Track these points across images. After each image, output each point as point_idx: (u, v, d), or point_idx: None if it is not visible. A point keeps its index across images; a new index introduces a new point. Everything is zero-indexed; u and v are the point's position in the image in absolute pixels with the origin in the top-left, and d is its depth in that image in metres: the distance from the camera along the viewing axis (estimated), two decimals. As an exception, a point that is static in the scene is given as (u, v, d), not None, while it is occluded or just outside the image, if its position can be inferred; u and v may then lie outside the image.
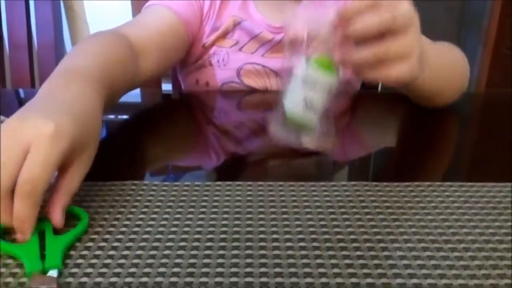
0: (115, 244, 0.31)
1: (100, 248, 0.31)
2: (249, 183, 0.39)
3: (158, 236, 0.32)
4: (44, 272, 0.28)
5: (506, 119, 0.58)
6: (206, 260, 0.29)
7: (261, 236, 0.32)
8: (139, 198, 0.37)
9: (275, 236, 0.32)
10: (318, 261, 0.29)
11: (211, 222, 0.33)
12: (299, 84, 0.39)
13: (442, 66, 0.51)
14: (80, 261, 0.29)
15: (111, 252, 0.30)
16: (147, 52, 0.57)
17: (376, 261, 0.29)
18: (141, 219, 0.34)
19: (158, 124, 0.55)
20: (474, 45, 1.91)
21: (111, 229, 0.33)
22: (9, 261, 0.30)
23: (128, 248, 0.31)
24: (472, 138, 0.52)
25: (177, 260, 0.29)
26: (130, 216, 0.34)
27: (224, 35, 0.70)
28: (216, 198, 0.37)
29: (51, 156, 0.30)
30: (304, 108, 0.39)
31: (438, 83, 0.51)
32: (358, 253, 0.30)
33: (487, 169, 0.44)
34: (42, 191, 0.29)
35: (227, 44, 0.70)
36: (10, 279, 0.28)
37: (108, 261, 0.29)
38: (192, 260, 0.29)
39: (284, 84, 0.41)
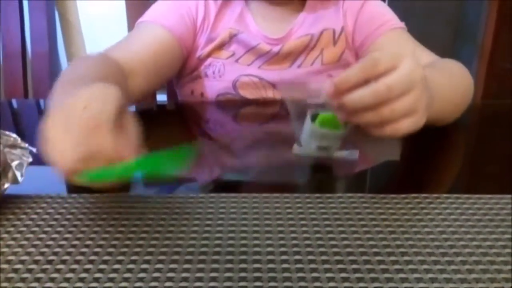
0: (106, 258, 0.30)
1: (91, 261, 0.30)
2: (244, 195, 0.38)
3: (151, 249, 0.31)
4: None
5: (503, 130, 0.58)
6: (199, 274, 0.29)
7: (256, 249, 0.31)
8: (131, 210, 0.36)
9: (270, 249, 0.31)
10: (314, 274, 0.28)
11: (205, 235, 0.33)
12: (309, 137, 0.42)
13: (449, 94, 0.50)
14: (69, 275, 0.29)
15: (102, 266, 0.29)
16: (136, 72, 0.57)
17: (372, 275, 0.28)
18: (133, 232, 0.33)
19: (151, 134, 0.55)
20: (469, 57, 1.93)
21: (102, 242, 0.32)
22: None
23: (119, 262, 0.30)
24: (469, 149, 0.52)
25: (169, 274, 0.29)
26: (121, 229, 0.34)
27: (220, 47, 0.70)
28: (210, 210, 0.36)
29: (110, 105, 0.32)
30: (318, 151, 0.43)
31: (444, 111, 0.50)
32: (355, 266, 0.29)
33: (484, 181, 0.44)
34: (112, 121, 0.32)
35: (223, 56, 0.70)
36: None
37: (98, 275, 0.29)
38: (184, 274, 0.29)
39: (296, 130, 0.42)
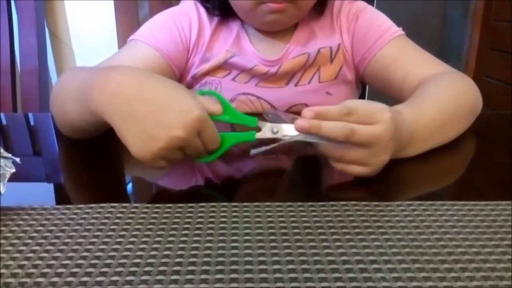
0: (89, 270, 0.29)
1: (73, 274, 0.28)
2: (235, 204, 0.37)
3: (137, 260, 0.30)
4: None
5: (491, 140, 0.58)
6: (188, 286, 0.27)
7: (247, 258, 0.30)
8: (117, 221, 0.35)
9: (262, 258, 0.30)
10: (308, 284, 0.27)
11: (194, 245, 0.31)
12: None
13: (438, 123, 0.49)
14: (49, 288, 0.27)
15: (84, 279, 0.28)
16: None
17: (370, 283, 0.27)
18: (118, 242, 0.32)
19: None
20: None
21: (85, 254, 0.31)
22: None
23: (103, 274, 0.28)
24: (465, 157, 0.51)
25: (156, 286, 0.27)
26: (106, 240, 0.32)
27: (215, 68, 0.69)
28: (199, 220, 0.35)
29: (208, 122, 0.41)
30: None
31: (433, 142, 0.49)
32: (350, 275, 0.28)
33: (479, 188, 0.43)
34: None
35: (219, 74, 0.69)
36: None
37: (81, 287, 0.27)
38: (172, 286, 0.27)
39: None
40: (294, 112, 0.69)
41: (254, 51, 0.68)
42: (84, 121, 0.47)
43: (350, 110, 0.39)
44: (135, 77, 0.42)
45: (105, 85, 0.41)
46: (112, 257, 0.30)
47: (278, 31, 0.68)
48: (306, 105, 0.69)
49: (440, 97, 0.52)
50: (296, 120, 0.39)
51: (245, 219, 0.35)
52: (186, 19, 0.68)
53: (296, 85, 0.69)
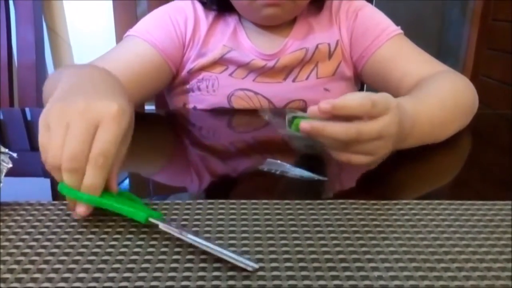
0: (86, 266, 0.29)
1: (69, 270, 0.28)
2: (232, 201, 0.37)
3: (134, 257, 0.30)
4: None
5: (488, 140, 0.58)
6: (185, 283, 0.27)
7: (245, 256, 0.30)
8: (114, 217, 0.35)
9: (259, 256, 0.30)
10: (306, 282, 0.27)
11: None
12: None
13: (438, 119, 0.49)
14: (46, 284, 0.27)
15: (81, 275, 0.28)
16: None
17: (367, 282, 0.27)
18: (116, 239, 0.32)
19: (138, 142, 0.53)
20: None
21: (82, 250, 0.30)
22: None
23: (100, 270, 0.28)
24: (462, 157, 0.52)
25: (153, 283, 0.27)
26: (104, 236, 0.32)
27: (212, 63, 0.69)
28: (197, 217, 0.35)
29: (119, 133, 0.33)
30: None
31: (432, 136, 0.49)
32: (348, 273, 0.28)
33: (476, 187, 0.43)
34: (111, 164, 0.33)
35: (216, 70, 0.69)
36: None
37: (77, 284, 0.27)
38: (169, 283, 0.27)
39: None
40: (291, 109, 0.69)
41: (251, 45, 0.68)
42: None
43: (374, 102, 0.37)
44: (84, 75, 0.42)
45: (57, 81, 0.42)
46: (109, 254, 0.30)
47: (276, 26, 0.69)
48: (304, 101, 0.69)
49: (441, 94, 0.53)
50: (301, 123, 0.38)
51: (243, 217, 0.35)
52: (182, 14, 0.69)
53: (294, 80, 0.69)
